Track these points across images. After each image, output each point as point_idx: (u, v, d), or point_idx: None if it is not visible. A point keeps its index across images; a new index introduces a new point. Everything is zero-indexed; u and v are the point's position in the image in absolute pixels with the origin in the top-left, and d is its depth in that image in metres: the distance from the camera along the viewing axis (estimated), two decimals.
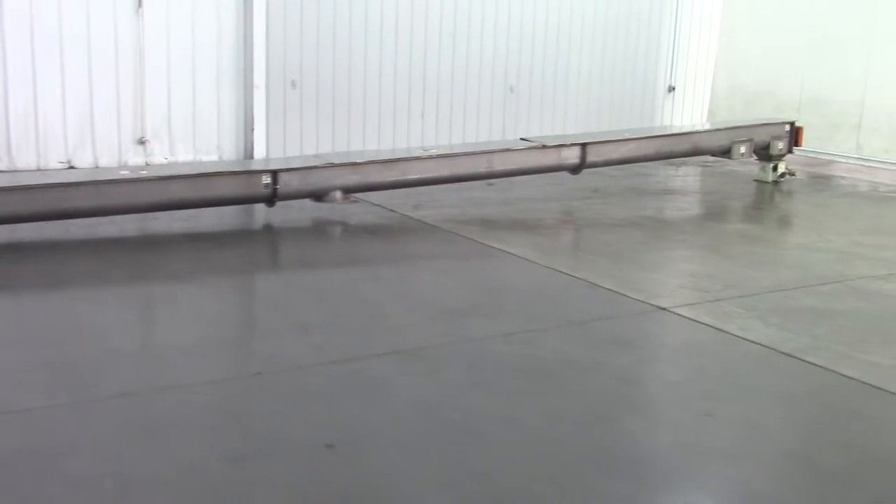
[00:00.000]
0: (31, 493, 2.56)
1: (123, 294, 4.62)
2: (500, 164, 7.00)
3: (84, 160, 7.87)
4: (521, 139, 7.53)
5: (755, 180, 8.73)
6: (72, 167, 7.78)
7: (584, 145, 7.35)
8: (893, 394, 3.54)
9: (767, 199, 8.18)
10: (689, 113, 11.26)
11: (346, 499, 2.62)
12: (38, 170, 7.60)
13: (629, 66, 10.72)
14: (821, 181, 9.16)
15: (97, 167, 7.84)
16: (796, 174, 8.83)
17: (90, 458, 2.77)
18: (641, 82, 10.89)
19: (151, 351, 3.76)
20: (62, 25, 7.56)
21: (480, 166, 6.92)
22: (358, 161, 6.43)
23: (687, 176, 9.28)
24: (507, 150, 7.12)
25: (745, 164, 9.17)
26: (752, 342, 4.07)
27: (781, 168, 8.69)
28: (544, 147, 7.21)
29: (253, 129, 8.45)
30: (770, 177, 8.65)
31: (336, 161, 6.37)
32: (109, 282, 4.78)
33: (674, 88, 11.08)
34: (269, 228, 6.26)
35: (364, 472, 2.75)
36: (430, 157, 6.75)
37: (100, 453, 2.80)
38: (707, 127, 9.03)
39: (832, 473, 2.92)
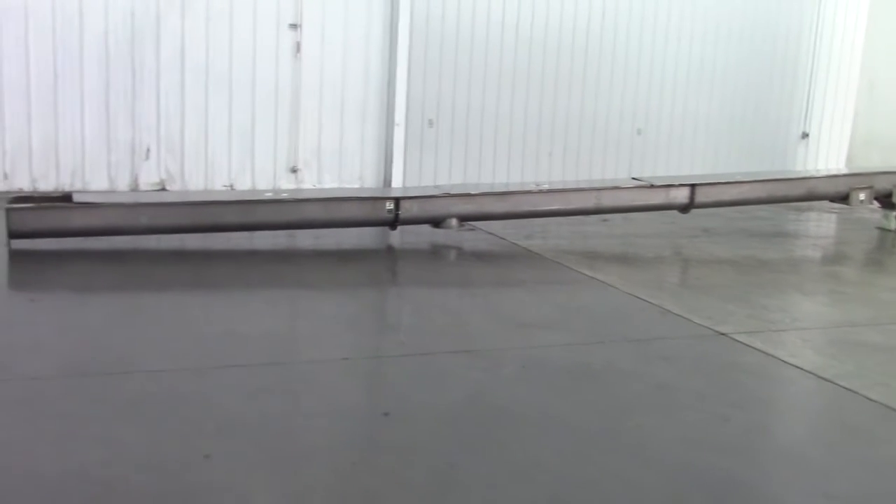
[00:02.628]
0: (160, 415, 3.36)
1: (253, 295, 5.49)
2: (609, 200, 7.52)
3: (244, 185, 8.98)
4: (632, 178, 8.02)
5: (877, 228, 8.80)
6: (233, 190, 8.90)
7: (693, 186, 7.75)
8: None
9: (882, 246, 8.25)
10: (823, 160, 11.31)
11: (389, 450, 3.27)
12: (205, 190, 8.76)
13: (760, 111, 10.94)
14: None
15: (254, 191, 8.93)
16: None
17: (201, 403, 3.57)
18: (773, 128, 11.07)
19: (267, 337, 4.55)
20: (232, 67, 8.73)
21: (589, 202, 7.46)
22: (472, 192, 7.14)
23: (807, 221, 9.42)
24: (616, 187, 7.63)
25: (875, 212, 9.22)
26: (795, 366, 4.43)
27: None
28: (652, 186, 7.67)
29: (392, 162, 9.34)
30: (893, 225, 8.70)
31: (452, 191, 7.09)
32: (244, 286, 5.67)
33: (807, 135, 11.18)
34: (390, 249, 7.06)
35: (408, 434, 3.40)
36: (541, 192, 7.36)
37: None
38: (824, 172, 9.18)
39: (815, 469, 3.32)
